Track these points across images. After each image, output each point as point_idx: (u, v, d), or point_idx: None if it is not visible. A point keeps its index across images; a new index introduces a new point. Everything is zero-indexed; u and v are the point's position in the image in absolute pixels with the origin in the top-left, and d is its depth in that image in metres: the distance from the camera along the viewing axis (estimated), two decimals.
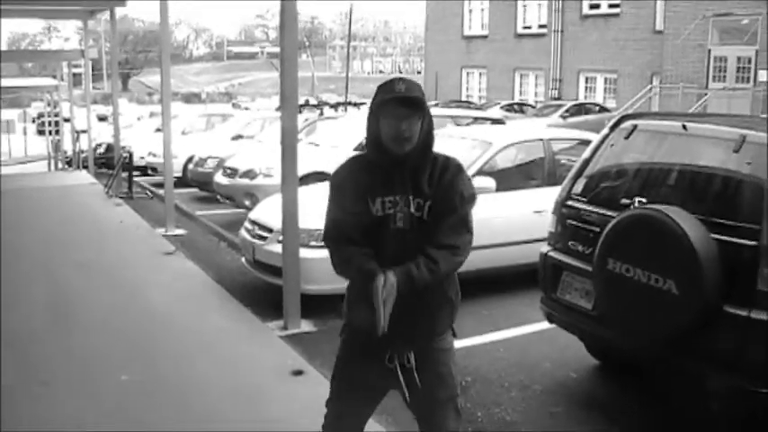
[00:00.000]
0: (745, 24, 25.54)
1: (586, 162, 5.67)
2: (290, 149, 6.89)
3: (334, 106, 26.58)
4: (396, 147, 2.98)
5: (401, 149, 2.98)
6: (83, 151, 20.86)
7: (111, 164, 17.25)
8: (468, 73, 41.48)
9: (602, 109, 28.34)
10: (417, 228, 3.01)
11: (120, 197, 14.58)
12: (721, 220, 4.43)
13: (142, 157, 18.15)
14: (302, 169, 7.62)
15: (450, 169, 3.07)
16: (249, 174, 11.95)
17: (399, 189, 3.02)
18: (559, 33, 35.22)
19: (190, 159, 15.90)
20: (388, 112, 2.96)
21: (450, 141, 9.24)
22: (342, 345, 3.31)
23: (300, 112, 15.49)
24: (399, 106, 2.94)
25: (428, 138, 3.05)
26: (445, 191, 3.03)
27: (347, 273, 3.10)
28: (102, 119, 37.12)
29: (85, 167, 19.88)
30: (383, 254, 3.00)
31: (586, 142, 7.14)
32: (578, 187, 5.60)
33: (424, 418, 3.26)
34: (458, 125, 12.67)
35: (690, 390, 5.03)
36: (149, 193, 15.74)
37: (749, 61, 25.89)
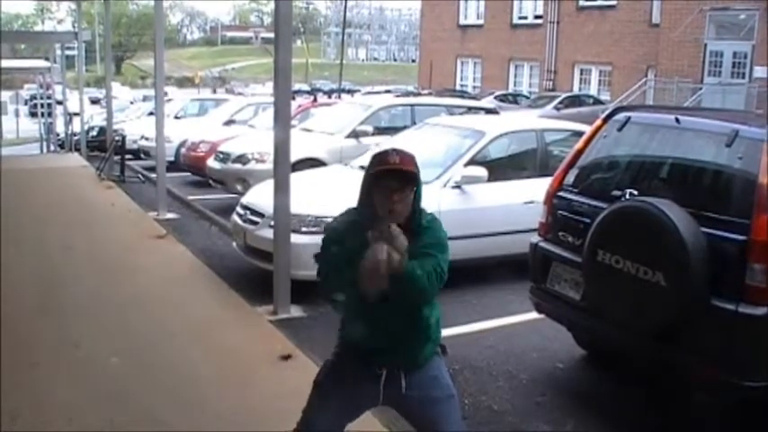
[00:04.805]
0: (741, 19, 25.54)
1: (579, 153, 5.68)
2: (283, 135, 6.89)
3: (328, 93, 26.56)
4: (387, 217, 2.95)
5: (392, 220, 2.94)
6: (75, 134, 20.79)
7: (104, 147, 17.18)
8: (462, 62, 41.46)
9: (597, 101, 28.39)
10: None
11: (112, 180, 14.54)
12: (711, 214, 4.45)
13: (135, 141, 18.08)
14: (295, 155, 7.60)
15: (432, 226, 3.09)
16: (241, 159, 11.94)
17: None
18: (555, 24, 35.20)
19: (182, 143, 15.88)
20: (381, 184, 2.95)
21: (443, 130, 9.25)
22: (334, 357, 3.32)
23: (293, 98, 15.46)
24: (392, 179, 2.94)
25: (417, 205, 3.03)
26: (425, 242, 3.03)
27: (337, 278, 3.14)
28: (94, 102, 37.06)
29: (77, 150, 19.82)
30: (366, 310, 3.07)
31: (579, 134, 7.13)
32: (570, 178, 5.61)
33: (422, 419, 3.26)
34: (451, 114, 12.66)
35: (676, 381, 5.05)
36: (141, 177, 15.69)
37: (745, 56, 25.90)
